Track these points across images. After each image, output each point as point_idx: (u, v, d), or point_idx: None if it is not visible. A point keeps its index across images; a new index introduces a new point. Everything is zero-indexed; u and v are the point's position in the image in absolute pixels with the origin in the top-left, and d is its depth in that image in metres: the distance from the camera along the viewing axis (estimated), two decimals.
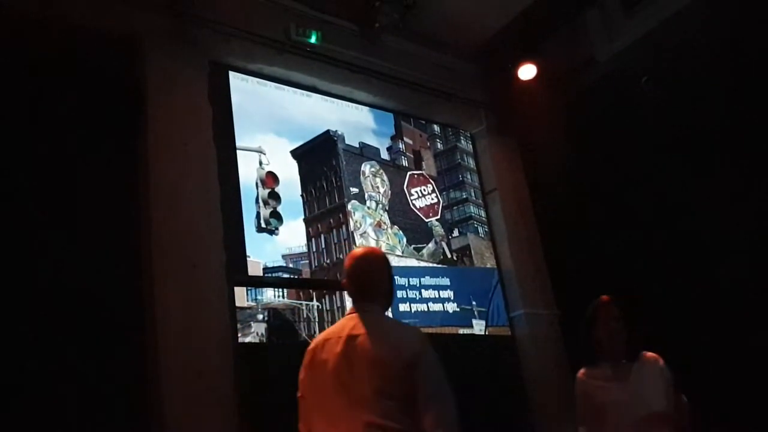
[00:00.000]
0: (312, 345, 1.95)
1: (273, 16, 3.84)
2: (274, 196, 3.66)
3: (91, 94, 3.09)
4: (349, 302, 3.73)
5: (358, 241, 3.96)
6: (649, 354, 2.42)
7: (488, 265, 4.62)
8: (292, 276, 3.63)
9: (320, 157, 4.05)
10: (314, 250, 3.78)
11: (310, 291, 3.66)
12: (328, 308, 3.69)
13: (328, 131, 4.11)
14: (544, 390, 4.16)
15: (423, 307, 4.08)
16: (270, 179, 3.66)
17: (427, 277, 4.22)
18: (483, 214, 4.78)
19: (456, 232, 4.60)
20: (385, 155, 4.41)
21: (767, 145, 3.54)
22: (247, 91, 3.79)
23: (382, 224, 4.17)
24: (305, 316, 3.57)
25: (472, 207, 4.74)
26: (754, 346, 3.40)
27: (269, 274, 3.51)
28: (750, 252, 3.53)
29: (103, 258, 2.91)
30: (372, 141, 4.38)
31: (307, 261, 3.72)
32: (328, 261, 3.82)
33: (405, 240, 4.23)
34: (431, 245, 4.38)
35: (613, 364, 2.42)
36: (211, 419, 2.79)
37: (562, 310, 4.51)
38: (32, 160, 2.87)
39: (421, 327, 3.93)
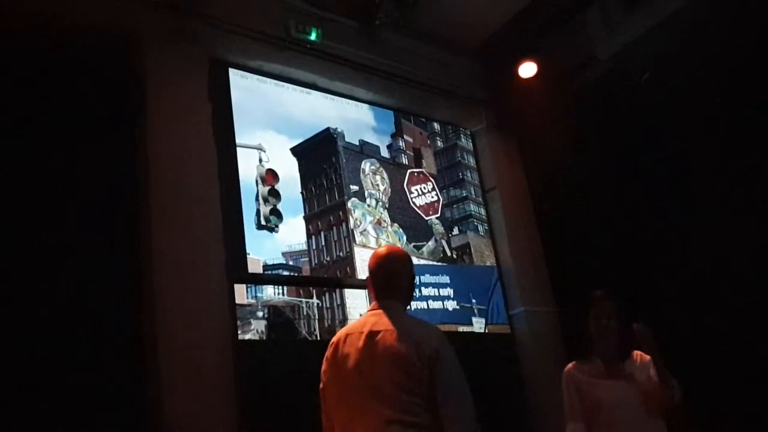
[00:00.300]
0: (334, 339, 1.99)
1: (273, 12, 3.84)
2: (274, 194, 3.65)
3: (90, 90, 3.08)
4: (348, 300, 3.80)
5: (358, 239, 3.95)
6: (639, 353, 2.41)
7: (488, 263, 4.62)
8: (292, 273, 3.62)
9: (320, 155, 4.04)
10: (314, 247, 3.78)
11: (310, 288, 3.66)
12: (328, 306, 3.69)
13: (328, 129, 4.11)
14: (543, 387, 4.16)
15: (423, 304, 4.08)
16: (270, 176, 3.66)
17: (427, 275, 4.22)
18: (483, 212, 4.78)
19: (456, 230, 4.60)
20: (385, 153, 4.41)
21: None
22: (246, 88, 3.78)
23: (382, 222, 4.17)
24: (305, 313, 3.57)
25: (472, 205, 4.74)
26: (754, 346, 3.39)
27: (269, 272, 3.50)
28: (750, 251, 3.52)
29: (102, 255, 2.91)
30: (372, 138, 4.38)
31: (307, 258, 3.72)
32: (328, 258, 3.82)
33: (405, 238, 4.23)
34: (431, 243, 4.38)
35: (606, 360, 2.41)
36: (211, 416, 2.78)
37: (561, 308, 4.51)
38: (31, 158, 2.86)
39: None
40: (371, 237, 4.04)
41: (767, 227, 3.47)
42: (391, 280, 2.00)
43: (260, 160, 3.66)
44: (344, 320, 3.64)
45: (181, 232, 3.06)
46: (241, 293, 3.30)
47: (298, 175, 3.86)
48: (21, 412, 2.49)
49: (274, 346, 3.33)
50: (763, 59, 3.57)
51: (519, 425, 4.07)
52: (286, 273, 3.60)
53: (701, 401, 3.37)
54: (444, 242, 4.46)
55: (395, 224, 4.22)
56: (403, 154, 4.52)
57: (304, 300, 3.59)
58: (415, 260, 4.08)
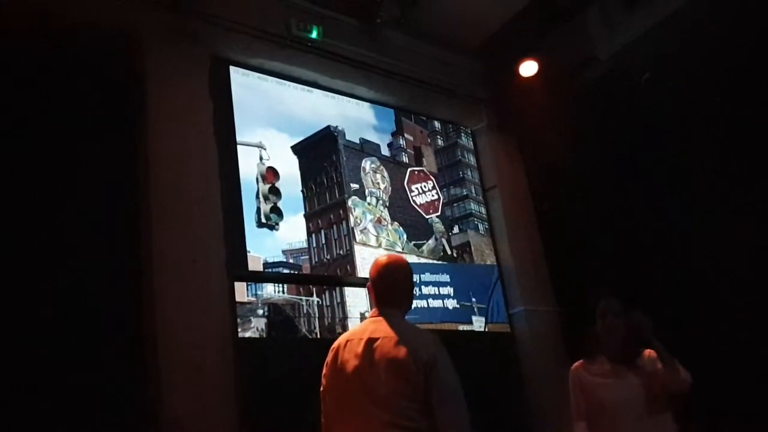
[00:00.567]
0: (335, 344, 2.04)
1: (274, 10, 3.84)
2: (275, 192, 3.66)
3: (90, 89, 3.09)
4: (348, 298, 3.80)
5: (359, 237, 3.96)
6: (649, 351, 2.41)
7: (488, 262, 4.62)
8: (292, 271, 3.62)
9: (321, 153, 4.04)
10: (314, 245, 3.78)
11: (310, 286, 3.66)
12: (328, 304, 3.69)
13: (328, 127, 4.11)
14: (543, 386, 4.17)
15: (423, 303, 4.08)
16: (270, 174, 3.66)
17: (428, 274, 4.22)
18: (483, 211, 4.78)
19: (456, 229, 4.60)
20: (385, 151, 4.41)
21: None
22: (247, 86, 3.79)
23: (383, 220, 4.17)
24: (305, 311, 3.57)
25: (472, 204, 4.74)
26: (755, 345, 3.39)
27: (269, 270, 3.51)
28: (751, 251, 3.52)
29: (103, 253, 2.91)
30: (373, 137, 4.38)
31: (308, 257, 3.72)
32: (329, 257, 3.82)
33: (405, 236, 4.23)
34: (431, 242, 4.38)
35: (612, 359, 2.41)
36: (211, 413, 2.79)
37: (561, 307, 4.51)
38: (30, 157, 2.86)
39: (421, 323, 3.95)
40: (371, 235, 4.04)
41: (767, 227, 3.47)
42: (391, 288, 2.05)
43: (261, 158, 3.66)
44: (344, 318, 3.65)
45: (182, 229, 3.07)
46: (242, 291, 3.31)
47: (298, 173, 3.86)
48: (21, 411, 2.49)
49: (274, 344, 3.34)
50: (763, 59, 3.57)
51: (518, 424, 4.08)
52: (286, 271, 3.60)
53: (702, 401, 3.39)
54: (444, 241, 4.46)
55: (395, 222, 4.22)
56: (403, 153, 4.52)
57: (304, 298, 3.60)
58: (415, 259, 4.18)
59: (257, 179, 3.62)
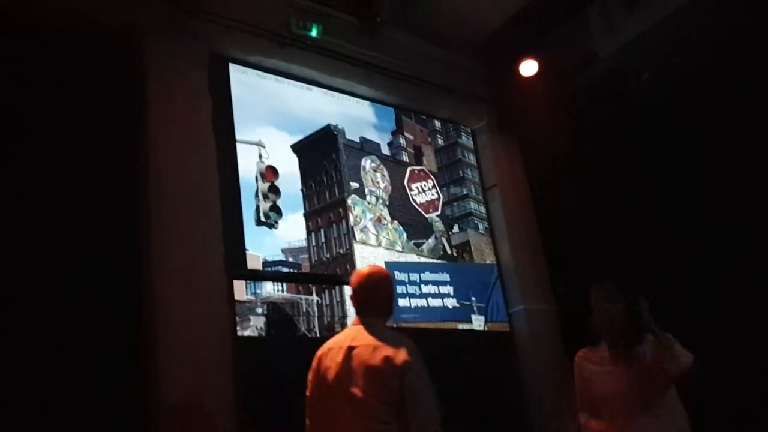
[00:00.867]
0: (319, 352, 2.19)
1: (274, 8, 3.82)
2: (274, 190, 3.64)
3: (90, 86, 3.08)
4: (348, 297, 3.78)
5: (358, 236, 3.95)
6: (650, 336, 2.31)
7: (488, 261, 4.61)
8: (291, 270, 3.61)
9: (320, 152, 4.03)
10: (314, 244, 3.77)
11: (310, 285, 3.65)
12: (327, 303, 3.68)
13: (328, 125, 4.10)
14: (543, 385, 4.16)
15: (423, 302, 4.07)
16: (270, 173, 3.65)
17: (427, 273, 4.21)
18: (483, 210, 4.77)
19: (456, 228, 4.59)
20: (385, 150, 4.40)
21: None
22: (247, 84, 3.77)
23: (383, 219, 4.16)
24: (304, 310, 3.56)
25: (472, 203, 4.73)
26: (756, 345, 3.38)
27: (269, 268, 3.50)
28: (751, 249, 3.52)
29: (101, 251, 2.90)
30: (373, 136, 4.37)
31: (307, 255, 3.71)
32: (328, 256, 3.81)
33: (405, 235, 4.22)
34: (431, 241, 4.37)
35: (612, 346, 2.36)
36: (210, 411, 2.78)
37: (560, 307, 4.50)
38: (29, 154, 2.85)
39: (421, 322, 3.96)
40: (371, 234, 4.03)
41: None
42: (372, 297, 2.20)
43: (260, 157, 3.65)
44: (344, 317, 3.64)
45: (181, 227, 3.05)
46: (241, 290, 3.30)
47: (298, 171, 3.85)
48: (19, 406, 2.48)
49: (274, 343, 3.33)
50: (763, 58, 3.56)
51: (517, 422, 4.07)
52: (285, 270, 3.59)
53: (701, 399, 3.38)
54: (444, 240, 4.45)
55: (395, 221, 4.21)
56: (403, 152, 4.51)
57: (303, 297, 3.59)
58: (415, 258, 4.17)
59: (256, 177, 3.61)
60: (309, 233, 3.77)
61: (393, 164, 4.40)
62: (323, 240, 3.83)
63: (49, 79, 2.97)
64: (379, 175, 4.27)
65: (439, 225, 4.47)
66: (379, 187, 4.24)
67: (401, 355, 2.00)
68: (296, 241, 3.69)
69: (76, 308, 2.74)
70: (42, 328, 2.63)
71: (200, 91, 3.42)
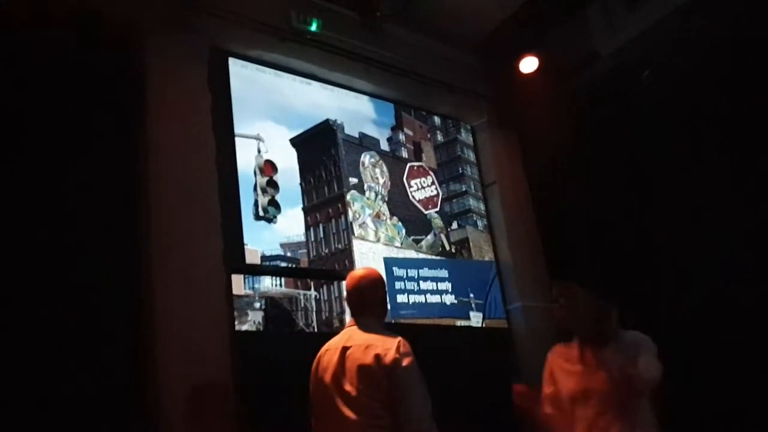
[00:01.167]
0: (319, 352, 2.32)
1: (274, 2, 3.81)
2: (273, 185, 3.63)
3: (89, 80, 3.06)
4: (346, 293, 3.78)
5: (357, 231, 3.94)
6: (631, 333, 2.21)
7: (486, 258, 4.61)
8: (289, 265, 3.60)
9: (319, 146, 4.02)
10: (312, 239, 3.76)
11: (308, 280, 3.64)
12: (325, 298, 3.68)
13: (327, 120, 4.08)
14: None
15: (421, 298, 4.07)
16: (268, 167, 3.64)
17: (426, 269, 4.21)
18: (482, 207, 4.77)
19: (455, 225, 4.58)
20: (384, 146, 4.39)
21: None
22: (246, 78, 3.76)
23: (381, 215, 4.15)
24: (302, 305, 3.56)
25: (471, 200, 4.73)
26: (757, 343, 3.38)
27: (267, 263, 3.49)
28: (752, 248, 3.51)
29: (100, 245, 2.88)
30: (372, 131, 4.35)
31: (306, 250, 3.70)
32: (327, 251, 3.81)
33: (404, 231, 4.22)
34: (430, 237, 4.37)
35: (581, 345, 2.27)
36: (208, 405, 2.77)
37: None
38: (27, 148, 2.84)
39: (419, 318, 3.96)
40: (370, 230, 4.03)
41: None
42: (365, 299, 2.33)
43: (259, 151, 3.64)
44: (342, 313, 3.63)
45: (179, 221, 3.04)
46: (239, 284, 3.28)
47: (297, 166, 3.84)
48: (17, 397, 2.47)
49: (272, 338, 3.32)
50: (765, 57, 3.55)
51: (515, 420, 4.07)
52: (284, 264, 3.58)
53: (696, 402, 3.40)
54: (443, 236, 4.45)
55: (394, 217, 4.20)
56: (402, 148, 4.50)
57: (301, 292, 3.58)
58: (413, 254, 4.17)
59: (255, 172, 3.59)
60: (308, 228, 3.76)
61: (392, 160, 4.39)
62: (322, 235, 3.82)
63: (47, 77, 2.94)
64: (378, 170, 4.26)
65: (438, 221, 4.46)
66: (378, 183, 4.23)
67: (391, 353, 2.11)
68: (295, 236, 3.69)
69: (74, 302, 2.72)
70: (38, 322, 2.61)
71: (200, 86, 3.40)
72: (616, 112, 4.29)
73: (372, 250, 3.96)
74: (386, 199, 4.22)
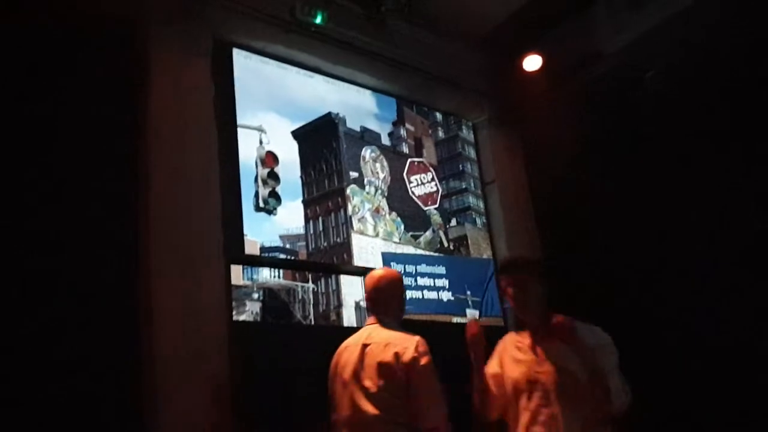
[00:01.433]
0: (339, 349, 2.40)
1: None
2: (274, 176, 3.63)
3: (92, 67, 3.05)
4: (343, 287, 3.79)
5: (356, 225, 3.94)
6: (590, 328, 2.09)
7: (484, 256, 4.62)
8: (288, 257, 3.61)
9: (321, 139, 4.02)
10: (312, 232, 3.77)
11: (306, 273, 3.65)
12: (323, 291, 3.69)
13: (329, 113, 4.08)
14: None
15: (418, 294, 4.07)
16: (270, 159, 3.64)
17: (423, 265, 4.21)
18: (481, 205, 4.77)
19: (454, 222, 4.59)
20: (386, 140, 4.39)
21: None
22: (249, 69, 3.75)
23: (381, 210, 4.15)
24: (300, 297, 3.56)
25: (470, 197, 4.73)
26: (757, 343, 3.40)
27: (266, 254, 3.49)
28: (753, 247, 3.52)
29: (100, 231, 2.88)
30: (373, 125, 4.35)
31: (305, 243, 3.71)
32: (325, 244, 3.81)
33: (403, 227, 4.22)
34: (428, 233, 4.37)
35: (533, 335, 2.16)
36: (204, 393, 2.77)
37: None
38: (29, 136, 2.82)
39: (415, 314, 3.95)
40: (369, 224, 4.03)
41: None
42: (384, 299, 2.39)
43: (260, 142, 3.64)
44: (339, 306, 3.64)
45: (180, 210, 3.04)
46: (237, 274, 3.29)
47: (298, 158, 3.84)
48: (14, 384, 2.47)
49: (269, 329, 3.33)
50: None
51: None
52: (282, 256, 3.59)
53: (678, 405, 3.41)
54: (441, 233, 4.45)
55: (393, 213, 4.21)
56: (404, 143, 4.50)
57: (299, 284, 3.59)
58: (412, 250, 4.17)
59: (256, 163, 3.59)
60: (307, 221, 3.77)
61: (393, 155, 4.39)
62: (321, 228, 3.82)
63: (51, 62, 2.94)
64: (378, 165, 4.26)
65: (437, 218, 4.47)
66: (379, 178, 4.23)
67: (409, 352, 2.17)
68: (294, 228, 3.69)
69: (73, 291, 2.71)
70: (35, 308, 2.61)
71: (203, 75, 3.39)
72: (618, 113, 4.28)
73: (370, 245, 3.97)
74: (386, 194, 4.22)
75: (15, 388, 2.46)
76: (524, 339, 2.21)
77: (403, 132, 4.52)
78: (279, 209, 3.60)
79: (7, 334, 2.50)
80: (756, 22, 3.59)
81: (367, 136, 4.27)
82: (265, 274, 3.46)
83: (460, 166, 4.79)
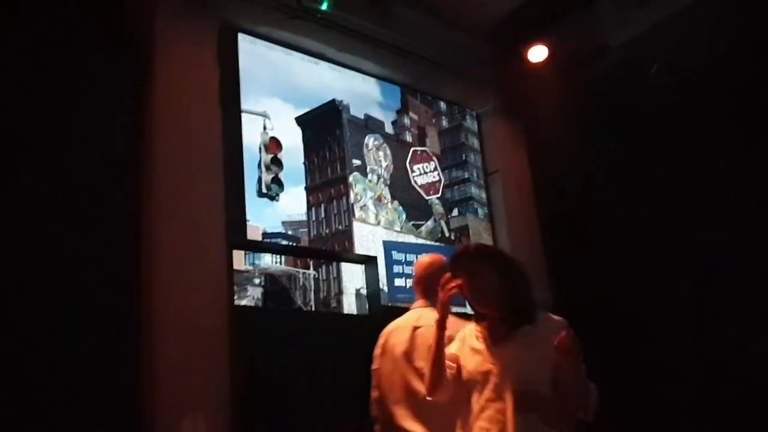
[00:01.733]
0: (385, 330, 2.50)
1: None
2: (277, 162, 3.64)
3: (97, 50, 3.05)
4: (344, 274, 3.81)
5: (358, 213, 3.95)
6: (554, 319, 1.94)
7: None
8: (290, 243, 3.62)
9: (324, 126, 4.02)
10: (314, 219, 3.78)
11: (308, 259, 3.67)
12: (324, 278, 3.71)
13: (333, 100, 4.07)
14: None
15: None
16: (273, 144, 3.64)
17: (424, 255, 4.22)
18: (484, 195, 4.77)
19: (455, 212, 4.59)
20: (389, 129, 4.38)
21: None
22: (254, 54, 3.74)
23: (383, 198, 4.16)
24: (301, 283, 3.58)
25: (473, 188, 4.73)
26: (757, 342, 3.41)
27: (268, 240, 3.50)
28: (754, 247, 3.52)
29: (101, 215, 2.89)
30: (377, 113, 4.34)
31: (306, 229, 3.72)
32: (327, 231, 3.82)
33: (404, 216, 4.23)
34: (430, 223, 4.38)
35: (491, 325, 1.97)
36: (206, 377, 2.80)
37: (556, 296, 4.51)
38: (32, 119, 2.83)
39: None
40: (371, 213, 4.04)
41: None
42: (433, 284, 2.32)
43: (264, 128, 3.64)
44: (339, 293, 3.66)
45: (183, 194, 3.05)
46: (239, 259, 3.31)
47: (301, 144, 3.84)
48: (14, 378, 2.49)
49: (269, 314, 3.35)
50: None
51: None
52: (284, 242, 3.60)
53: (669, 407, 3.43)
54: (443, 223, 4.46)
55: (395, 201, 4.21)
56: (407, 132, 4.49)
57: (301, 270, 3.61)
58: (412, 239, 4.18)
59: (260, 149, 3.60)
60: (309, 208, 3.77)
61: (396, 144, 4.38)
62: (323, 215, 3.83)
63: (56, 43, 2.93)
64: (381, 153, 4.26)
65: (438, 207, 4.47)
66: (381, 166, 4.23)
67: (458, 335, 2.20)
68: (296, 214, 3.70)
69: (75, 274, 2.73)
70: (37, 300, 2.62)
71: (208, 59, 3.39)
72: (623, 106, 4.27)
73: (372, 233, 3.98)
74: (388, 182, 4.22)
75: (15, 386, 2.48)
76: (484, 329, 1.99)
77: (406, 121, 4.51)
78: (282, 195, 3.61)
79: (6, 328, 2.51)
80: (761, 16, 3.57)
81: (371, 124, 4.27)
82: (267, 260, 3.48)
83: (463, 156, 4.79)
